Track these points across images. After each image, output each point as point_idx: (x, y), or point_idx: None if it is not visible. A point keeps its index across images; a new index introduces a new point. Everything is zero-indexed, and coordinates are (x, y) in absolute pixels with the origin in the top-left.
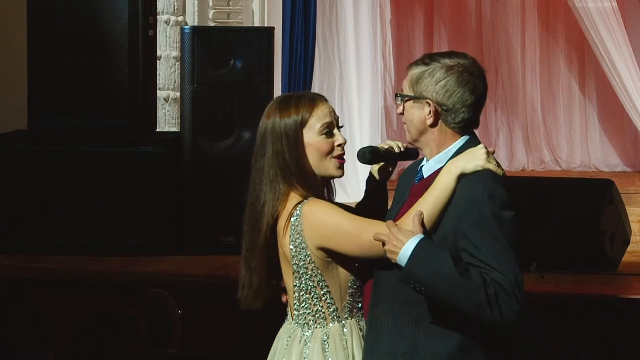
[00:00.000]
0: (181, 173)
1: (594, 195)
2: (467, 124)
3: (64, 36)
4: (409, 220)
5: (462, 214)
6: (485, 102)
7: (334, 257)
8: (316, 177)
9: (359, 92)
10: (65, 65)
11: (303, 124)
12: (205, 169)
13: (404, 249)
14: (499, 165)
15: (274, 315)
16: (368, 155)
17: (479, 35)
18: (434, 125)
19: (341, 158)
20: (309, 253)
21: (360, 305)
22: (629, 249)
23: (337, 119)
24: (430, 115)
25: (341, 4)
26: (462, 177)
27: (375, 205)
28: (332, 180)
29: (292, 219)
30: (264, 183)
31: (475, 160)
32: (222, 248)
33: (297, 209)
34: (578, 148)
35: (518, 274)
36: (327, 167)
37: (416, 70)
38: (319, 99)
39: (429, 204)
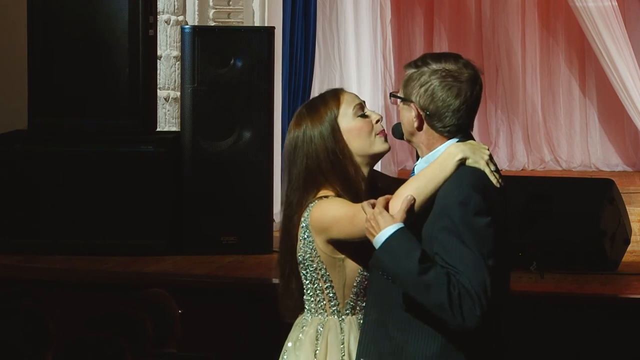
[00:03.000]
0: (181, 172)
1: (594, 195)
2: (455, 128)
3: (64, 36)
4: (398, 201)
5: (436, 219)
6: (479, 106)
7: (341, 249)
8: (357, 166)
9: (359, 92)
10: (65, 65)
11: (335, 115)
12: (206, 169)
13: (380, 234)
14: (497, 172)
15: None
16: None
17: (479, 35)
18: (419, 128)
19: (383, 132)
20: (314, 247)
21: (364, 304)
22: (629, 248)
23: (363, 102)
24: (415, 119)
25: (341, 4)
26: (462, 162)
27: None
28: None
29: (305, 213)
30: (295, 189)
31: (479, 153)
32: (222, 248)
33: (311, 204)
34: (578, 147)
35: (486, 280)
36: (374, 143)
37: (407, 72)
38: (340, 90)
39: (424, 179)
